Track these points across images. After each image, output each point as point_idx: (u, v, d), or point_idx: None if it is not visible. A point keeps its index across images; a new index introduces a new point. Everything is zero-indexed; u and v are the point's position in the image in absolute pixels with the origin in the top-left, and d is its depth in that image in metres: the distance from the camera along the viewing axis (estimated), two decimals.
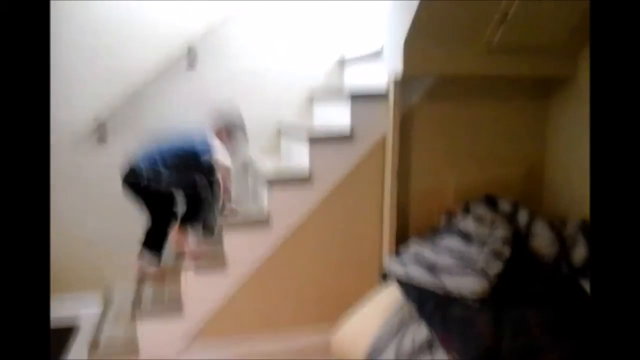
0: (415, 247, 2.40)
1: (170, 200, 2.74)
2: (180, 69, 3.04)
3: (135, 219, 3.07)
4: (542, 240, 2.31)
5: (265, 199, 2.62)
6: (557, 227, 2.40)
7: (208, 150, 2.68)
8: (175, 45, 3.00)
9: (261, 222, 2.57)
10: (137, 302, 2.56)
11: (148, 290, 2.69)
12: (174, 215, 2.78)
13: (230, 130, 2.88)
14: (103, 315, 2.83)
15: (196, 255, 2.62)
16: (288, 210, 2.60)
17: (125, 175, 2.66)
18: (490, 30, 2.33)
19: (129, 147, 3.02)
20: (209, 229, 2.82)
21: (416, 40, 2.30)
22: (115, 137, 3.03)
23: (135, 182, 2.64)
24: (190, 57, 3.01)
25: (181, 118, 3.08)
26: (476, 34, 2.35)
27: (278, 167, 2.82)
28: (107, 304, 2.97)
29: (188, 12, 3.04)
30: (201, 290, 2.55)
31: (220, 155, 2.71)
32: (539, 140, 2.87)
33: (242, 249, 2.58)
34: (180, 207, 2.79)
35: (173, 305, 2.54)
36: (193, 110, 3.07)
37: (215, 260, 2.56)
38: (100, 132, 2.98)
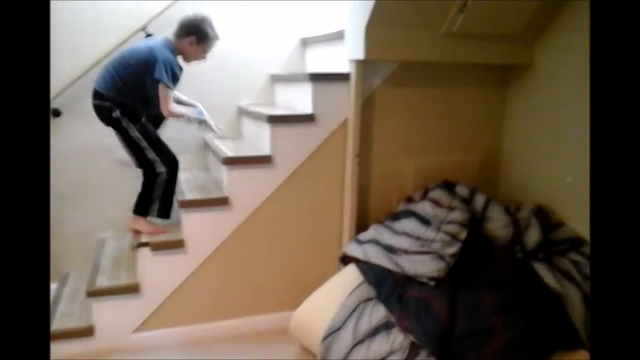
0: (374, 230, 2.43)
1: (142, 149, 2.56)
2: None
3: (87, 203, 3.01)
4: (497, 223, 2.37)
5: (225, 179, 2.59)
6: (511, 211, 2.47)
7: (156, 61, 2.42)
8: (131, 24, 2.90)
9: (221, 202, 2.54)
10: (92, 281, 2.50)
11: (105, 269, 2.63)
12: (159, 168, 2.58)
13: (200, 39, 2.57)
14: (57, 292, 2.76)
15: (157, 233, 2.59)
16: (248, 192, 2.58)
17: (93, 95, 2.52)
18: (450, 18, 2.35)
19: (82, 123, 2.94)
20: (165, 212, 2.69)
21: (377, 26, 2.31)
22: (70, 113, 2.92)
23: (100, 104, 2.49)
24: (147, 37, 2.91)
25: None
26: (437, 20, 2.37)
27: (238, 147, 2.79)
28: (62, 281, 2.89)
29: None
30: (158, 271, 2.51)
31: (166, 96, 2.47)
32: (497, 127, 2.93)
33: (200, 229, 2.54)
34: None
35: (130, 286, 2.50)
36: None
37: (173, 240, 2.52)
38: (54, 107, 2.87)
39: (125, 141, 2.57)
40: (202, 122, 2.68)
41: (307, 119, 2.59)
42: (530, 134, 2.73)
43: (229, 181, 2.55)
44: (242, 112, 3.18)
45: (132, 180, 3.02)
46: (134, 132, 2.52)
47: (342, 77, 2.55)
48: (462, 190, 2.56)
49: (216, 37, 2.63)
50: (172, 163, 2.61)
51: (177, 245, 2.52)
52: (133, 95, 2.50)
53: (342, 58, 2.59)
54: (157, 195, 2.64)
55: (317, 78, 2.58)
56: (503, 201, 2.66)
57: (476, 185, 2.69)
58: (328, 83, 2.58)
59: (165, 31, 2.76)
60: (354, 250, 2.36)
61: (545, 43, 2.59)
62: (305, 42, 3.32)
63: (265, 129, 2.61)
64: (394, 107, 2.69)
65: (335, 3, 3.17)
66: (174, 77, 2.52)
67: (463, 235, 2.20)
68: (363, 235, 2.42)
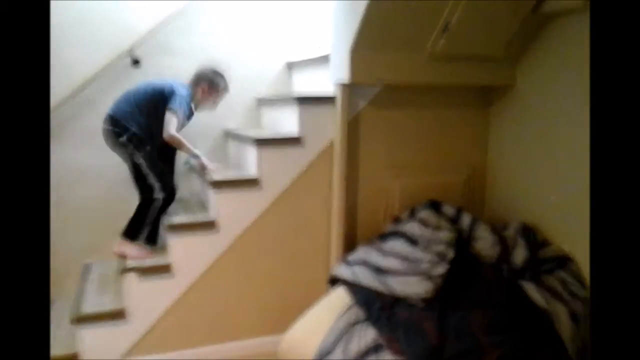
0: (363, 251, 2.43)
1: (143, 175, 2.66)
2: (124, 68, 2.96)
3: (80, 220, 2.99)
4: (484, 242, 2.38)
5: (213, 202, 2.59)
6: (498, 230, 2.49)
7: (173, 94, 2.63)
8: (119, 44, 2.92)
9: (208, 226, 2.53)
10: (77, 307, 2.46)
11: (90, 295, 2.59)
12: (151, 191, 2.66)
13: (212, 87, 2.80)
14: None
15: (141, 257, 2.57)
16: (235, 214, 2.58)
17: (104, 121, 2.65)
18: (433, 40, 2.40)
19: (71, 146, 2.93)
20: (152, 238, 2.74)
21: (361, 49, 2.34)
22: (59, 137, 2.91)
23: (110, 129, 2.61)
24: (134, 56, 2.93)
25: None
26: (420, 43, 2.42)
27: (225, 170, 2.79)
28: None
29: (132, 11, 2.97)
30: (145, 296, 2.48)
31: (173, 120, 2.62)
32: (481, 147, 2.97)
33: (188, 253, 2.53)
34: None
35: (116, 312, 2.46)
36: None
37: (160, 264, 2.50)
38: None
39: (130, 165, 2.68)
40: (198, 159, 2.76)
41: (293, 141, 2.60)
42: (514, 154, 2.77)
43: (216, 204, 2.55)
44: (229, 135, 3.19)
45: (117, 204, 3.01)
46: (138, 159, 2.62)
47: (328, 100, 2.58)
48: (448, 210, 2.58)
49: (226, 89, 2.85)
50: (170, 191, 2.70)
51: (163, 269, 2.49)
52: (144, 123, 2.63)
53: (327, 81, 2.62)
54: (148, 221, 2.67)
55: (303, 101, 2.61)
56: (489, 220, 2.68)
57: (462, 204, 2.72)
58: (314, 106, 2.61)
59: (154, 53, 2.79)
60: (342, 272, 2.36)
61: (526, 63, 2.64)
62: (291, 66, 3.35)
63: (252, 152, 2.61)
64: (379, 128, 2.71)
65: (320, 27, 3.21)
66: (185, 117, 2.73)
67: (451, 255, 2.21)
68: (351, 257, 2.42)
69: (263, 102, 3.25)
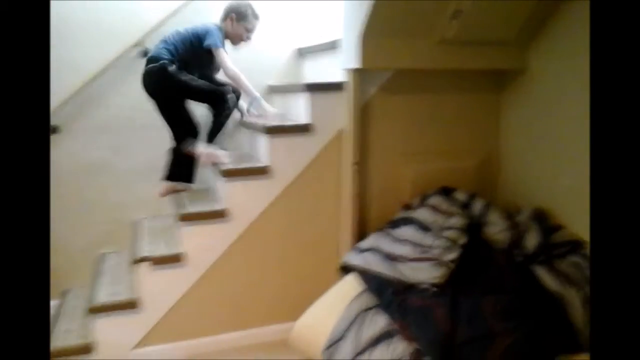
0: (374, 238, 2.42)
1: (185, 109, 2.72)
2: (133, 60, 2.96)
3: (93, 212, 3.02)
4: (496, 228, 2.36)
5: (223, 191, 2.59)
6: (510, 215, 2.47)
7: (207, 32, 2.67)
8: (128, 36, 2.92)
9: (218, 215, 2.54)
10: (91, 298, 2.49)
11: (104, 285, 2.62)
12: (194, 129, 2.73)
13: (239, 17, 2.78)
14: (57, 310, 2.75)
15: (225, 158, 2.64)
16: (247, 203, 2.58)
17: (146, 62, 2.66)
18: (444, 25, 2.37)
19: (82, 139, 2.95)
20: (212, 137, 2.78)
21: (372, 34, 2.32)
22: (69, 130, 2.94)
23: (155, 65, 2.61)
24: (144, 47, 2.94)
25: (134, 110, 3.01)
26: (431, 28, 2.39)
27: (235, 159, 2.79)
28: (62, 299, 2.88)
29: (141, 2, 2.97)
30: (158, 286, 2.51)
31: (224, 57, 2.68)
32: (493, 132, 2.94)
33: (199, 243, 2.54)
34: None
35: (129, 302, 2.49)
36: (146, 102, 3.01)
37: (171, 254, 2.52)
38: (52, 124, 2.88)
39: (183, 93, 2.68)
40: (255, 101, 2.79)
41: (304, 129, 2.59)
42: (527, 138, 2.74)
43: (228, 193, 2.55)
44: (239, 124, 3.19)
45: (128, 196, 3.04)
46: (192, 81, 2.65)
47: (338, 87, 2.56)
48: (460, 196, 2.56)
49: (255, 16, 2.82)
50: (233, 100, 2.75)
51: (175, 259, 2.51)
52: (184, 58, 2.66)
53: (338, 67, 2.60)
54: (225, 123, 2.74)
55: (313, 88, 2.60)
56: (502, 205, 2.66)
57: (474, 190, 2.69)
58: (324, 93, 2.59)
59: None
60: (353, 259, 2.35)
61: (538, 47, 2.60)
62: (302, 53, 3.34)
63: (263, 140, 2.61)
64: (389, 114, 2.69)
65: (330, 14, 3.18)
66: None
67: (462, 240, 2.19)
68: (363, 244, 2.42)
69: (274, 90, 3.24)
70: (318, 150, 2.63)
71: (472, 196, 2.56)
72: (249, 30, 2.83)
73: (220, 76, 2.87)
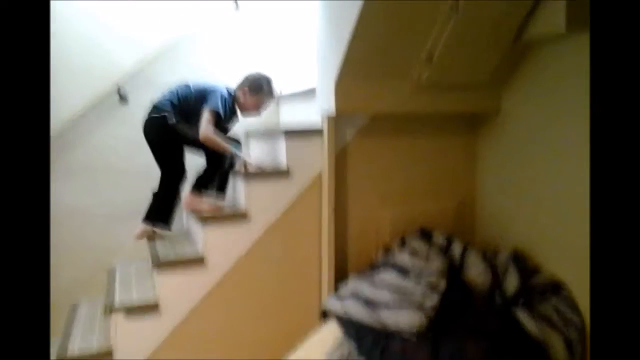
0: (354, 284, 2.39)
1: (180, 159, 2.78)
2: (111, 104, 2.96)
3: (67, 257, 2.95)
4: (476, 270, 2.36)
5: (200, 237, 2.56)
6: (489, 257, 2.47)
7: (212, 93, 2.72)
8: (106, 80, 2.93)
9: (196, 262, 2.50)
10: (63, 348, 2.40)
11: (77, 334, 2.53)
12: (182, 175, 2.80)
13: (253, 90, 2.84)
14: None
15: (216, 210, 2.62)
16: (224, 249, 2.54)
17: (150, 110, 2.74)
18: (418, 69, 2.42)
19: (59, 182, 2.90)
20: (222, 186, 2.86)
21: (347, 79, 2.35)
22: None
23: (157, 116, 2.69)
24: (122, 92, 2.94)
25: (112, 154, 3.00)
26: (405, 72, 2.43)
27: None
28: None
29: (120, 47, 2.99)
30: (132, 336, 2.43)
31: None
32: (470, 173, 2.97)
33: (175, 290, 2.48)
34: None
35: (101, 352, 2.40)
36: (124, 146, 3.01)
37: (146, 304, 2.45)
38: None
39: (183, 144, 2.77)
40: (238, 158, 2.83)
41: (282, 173, 2.59)
42: (503, 179, 2.77)
43: (205, 239, 2.51)
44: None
45: (105, 240, 2.98)
46: (192, 133, 2.69)
47: (315, 132, 2.58)
48: (439, 239, 2.56)
49: (270, 94, 2.88)
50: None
51: (151, 309, 2.44)
52: (187, 117, 2.74)
53: (314, 113, 2.63)
54: (218, 176, 2.81)
55: (290, 134, 2.61)
56: (481, 247, 2.67)
57: (453, 232, 2.70)
58: (301, 138, 2.61)
59: (142, 89, 2.79)
60: (334, 304, 2.32)
61: (511, 90, 2.66)
62: (279, 100, 3.37)
63: (240, 185, 2.60)
64: (368, 158, 2.71)
65: (306, 61, 3.24)
66: (225, 117, 2.80)
67: (442, 285, 2.18)
68: (342, 289, 2.39)
69: (252, 135, 3.24)
70: (296, 194, 2.62)
71: (451, 238, 2.56)
72: (259, 106, 2.90)
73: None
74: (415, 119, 2.78)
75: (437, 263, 2.31)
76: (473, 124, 2.93)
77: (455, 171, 2.94)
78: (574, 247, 2.26)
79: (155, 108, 2.73)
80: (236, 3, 3.23)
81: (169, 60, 3.07)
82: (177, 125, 2.67)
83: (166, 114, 2.68)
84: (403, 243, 2.58)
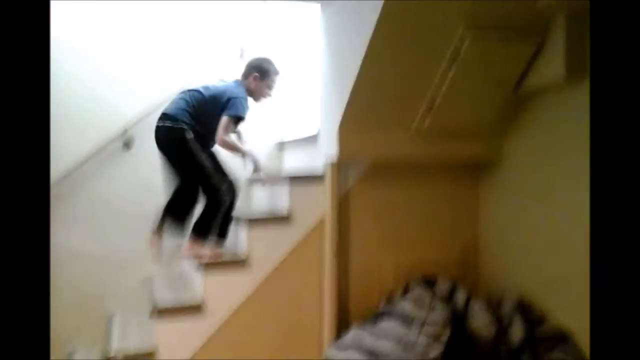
0: (355, 332, 2.35)
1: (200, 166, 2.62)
2: (115, 150, 2.99)
3: (57, 314, 2.90)
4: (480, 321, 2.31)
5: (199, 284, 2.52)
6: (494, 306, 2.43)
7: (230, 100, 2.62)
8: (110, 127, 2.97)
9: (195, 308, 2.46)
10: None
11: None
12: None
13: (262, 74, 2.78)
14: None
15: (216, 256, 2.54)
16: (224, 295, 2.50)
17: (161, 116, 2.63)
18: (419, 117, 2.45)
19: (61, 227, 2.89)
20: (223, 232, 2.72)
21: (350, 126, 2.38)
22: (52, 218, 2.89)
23: (170, 126, 2.58)
24: (126, 139, 2.97)
25: (117, 199, 3.00)
26: (406, 120, 2.46)
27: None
28: None
29: (124, 96, 3.04)
30: None
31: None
32: (472, 221, 2.95)
33: (174, 337, 2.43)
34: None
35: None
36: (129, 192, 3.01)
37: (143, 352, 2.40)
38: None
39: (187, 165, 2.63)
40: (254, 161, 2.78)
41: (284, 219, 2.58)
42: (506, 227, 2.75)
43: (205, 286, 2.48)
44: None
45: (106, 287, 2.94)
46: (200, 158, 2.59)
47: (318, 178, 2.58)
48: (442, 287, 2.53)
49: (277, 72, 2.84)
50: (233, 191, 2.72)
51: (148, 356, 2.39)
52: (203, 124, 2.63)
53: (317, 157, 2.64)
54: (217, 221, 2.65)
55: (293, 180, 2.62)
56: (485, 294, 2.62)
57: (456, 279, 2.66)
58: (304, 184, 2.61)
59: (146, 135, 2.82)
60: (335, 354, 2.27)
61: (512, 138, 2.68)
62: (282, 146, 3.40)
63: (242, 231, 2.59)
64: (370, 204, 2.71)
65: (308, 108, 3.28)
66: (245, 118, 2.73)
67: (445, 336, 2.14)
68: (344, 339, 2.34)
69: (254, 180, 3.25)
70: (298, 240, 2.60)
71: (454, 287, 2.53)
72: (271, 87, 2.87)
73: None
74: (418, 165, 2.78)
75: (440, 312, 2.26)
76: (475, 171, 2.93)
77: (458, 218, 2.92)
78: (579, 295, 2.21)
79: (169, 116, 2.61)
80: (241, 50, 3.29)
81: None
82: (194, 143, 2.59)
83: (184, 125, 2.58)
84: (406, 290, 2.54)
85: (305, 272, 2.63)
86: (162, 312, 2.43)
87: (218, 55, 3.20)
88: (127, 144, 2.94)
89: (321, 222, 2.61)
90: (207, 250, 2.58)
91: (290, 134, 3.34)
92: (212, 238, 2.65)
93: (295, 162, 3.18)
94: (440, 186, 2.87)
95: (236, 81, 2.79)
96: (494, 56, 2.27)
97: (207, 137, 2.66)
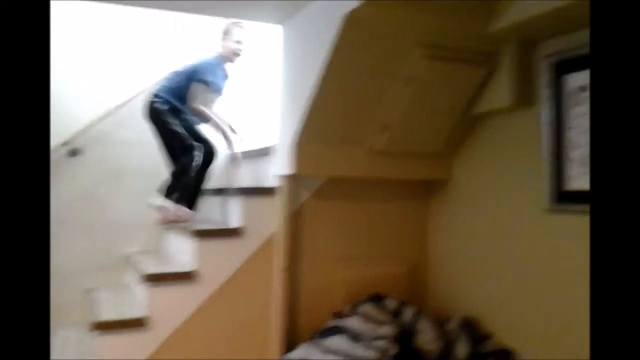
0: (303, 348, 2.32)
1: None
2: (60, 159, 2.89)
3: None
4: (426, 337, 2.34)
5: (145, 297, 2.45)
6: (440, 323, 2.46)
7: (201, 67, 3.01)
8: (56, 136, 2.87)
9: (138, 322, 2.38)
10: None
11: None
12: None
13: (225, 33, 3.12)
14: None
15: (180, 218, 2.79)
16: (170, 309, 2.44)
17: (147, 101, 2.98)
18: (374, 136, 2.48)
19: None
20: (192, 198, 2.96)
21: (306, 142, 2.39)
22: None
23: (151, 102, 2.95)
24: (73, 146, 2.88)
25: (62, 209, 2.89)
26: (362, 138, 2.50)
27: (160, 263, 2.69)
28: None
29: (74, 102, 2.96)
30: None
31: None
32: (422, 239, 2.99)
33: (116, 351, 2.34)
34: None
35: None
36: (71, 200, 2.90)
37: None
38: None
39: (164, 133, 2.98)
40: (223, 132, 3.12)
41: (234, 232, 2.55)
42: (453, 246, 2.81)
43: (150, 299, 2.41)
44: (166, 227, 3.10)
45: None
46: (172, 125, 2.93)
47: (271, 191, 2.57)
48: (390, 304, 2.54)
49: (238, 25, 3.11)
50: (208, 150, 3.01)
51: None
52: (177, 97, 2.99)
53: (271, 172, 2.63)
54: (187, 182, 2.92)
55: (246, 192, 2.59)
56: (433, 312, 2.65)
57: (406, 297, 2.68)
58: (257, 197, 2.60)
59: (97, 143, 2.75)
60: None
61: (462, 159, 2.75)
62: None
63: (191, 244, 2.54)
64: (321, 220, 2.70)
65: (263, 121, 3.28)
66: (214, 84, 3.08)
67: (393, 350, 2.14)
68: (292, 355, 2.31)
69: (206, 193, 3.21)
70: (248, 254, 2.57)
71: (403, 304, 2.55)
72: (239, 42, 3.11)
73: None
74: (370, 183, 2.82)
75: (388, 328, 2.27)
76: (425, 190, 2.99)
77: (408, 236, 2.96)
78: (523, 315, 2.28)
79: (153, 95, 2.96)
80: None
81: (125, 114, 3.06)
82: (166, 113, 2.89)
83: (159, 99, 2.92)
84: (354, 307, 2.54)
85: (255, 287, 2.59)
86: (103, 326, 2.34)
87: (172, 65, 3.16)
88: (74, 152, 2.85)
89: (273, 237, 2.59)
90: (174, 210, 2.79)
91: (245, 145, 3.32)
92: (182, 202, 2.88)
93: (249, 174, 3.16)
94: (392, 204, 2.90)
95: (212, 56, 3.13)
96: (446, 80, 2.33)
97: (180, 108, 2.98)
